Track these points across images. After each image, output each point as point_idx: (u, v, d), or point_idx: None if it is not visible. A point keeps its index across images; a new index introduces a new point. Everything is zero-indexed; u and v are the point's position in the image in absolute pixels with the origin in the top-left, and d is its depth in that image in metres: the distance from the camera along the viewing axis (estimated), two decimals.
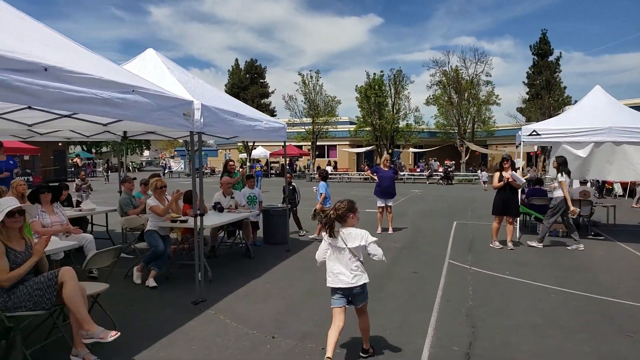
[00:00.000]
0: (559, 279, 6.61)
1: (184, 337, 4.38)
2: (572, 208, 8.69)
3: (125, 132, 8.75)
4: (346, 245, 3.68)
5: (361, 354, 3.96)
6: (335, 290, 3.75)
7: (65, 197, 8.40)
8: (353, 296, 3.75)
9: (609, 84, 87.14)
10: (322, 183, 9.60)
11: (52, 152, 34.29)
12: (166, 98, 4.51)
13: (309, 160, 42.62)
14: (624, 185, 19.81)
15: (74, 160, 39.33)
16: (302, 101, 41.57)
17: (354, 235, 3.72)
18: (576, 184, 13.04)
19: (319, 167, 39.83)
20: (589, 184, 13.73)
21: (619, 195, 19.80)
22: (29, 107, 5.80)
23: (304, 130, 40.81)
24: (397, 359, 3.94)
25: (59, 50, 3.98)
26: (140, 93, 4.13)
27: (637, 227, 11.87)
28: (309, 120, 40.99)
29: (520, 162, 12.08)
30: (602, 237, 10.08)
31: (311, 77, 40.97)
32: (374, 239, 3.76)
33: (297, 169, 41.12)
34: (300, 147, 43.13)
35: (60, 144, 33.77)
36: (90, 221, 9.14)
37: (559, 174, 8.94)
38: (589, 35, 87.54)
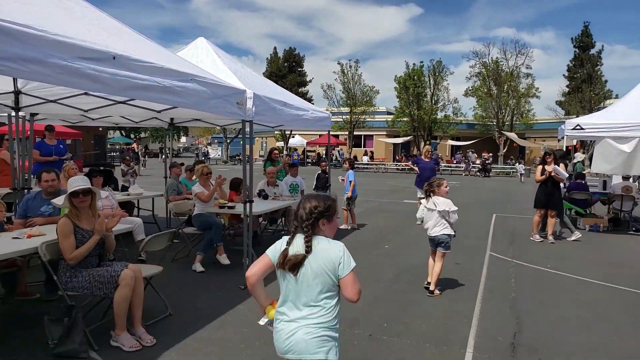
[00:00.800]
0: (602, 273, 6.52)
1: (235, 320, 4.53)
2: None
3: (172, 119, 9.01)
4: (436, 208, 5.20)
5: (426, 289, 5.42)
6: (429, 238, 5.40)
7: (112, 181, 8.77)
8: (437, 243, 5.32)
9: None
10: (350, 172, 9.69)
11: (93, 136, 35.12)
12: (221, 87, 4.67)
13: (340, 150, 42.58)
14: None
15: (132, 146, 39.95)
16: (340, 90, 41.61)
17: (442, 203, 5.21)
18: (618, 179, 12.67)
19: (355, 157, 39.78)
20: (631, 179, 13.30)
21: None
22: (86, 93, 6.04)
23: (342, 119, 40.82)
24: (444, 347, 4.00)
25: (121, 38, 4.17)
26: (198, 82, 4.29)
27: None
28: (346, 109, 40.95)
29: (580, 157, 11.83)
30: None
31: (350, 66, 40.93)
32: (456, 208, 5.23)
33: (334, 158, 41.20)
34: (337, 136, 43.16)
35: (100, 129, 34.42)
36: (136, 205, 9.50)
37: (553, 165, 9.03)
38: (631, 27, 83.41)
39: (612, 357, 3.90)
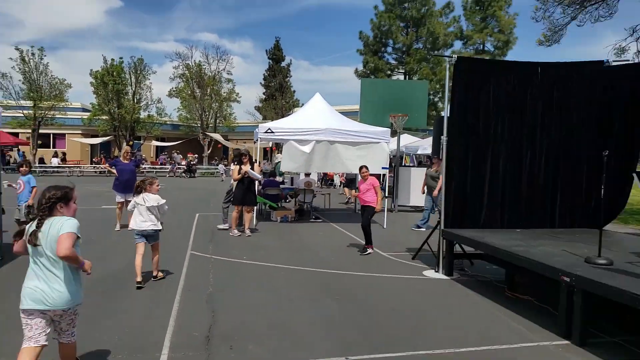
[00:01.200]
0: (288, 258, 7.53)
1: None
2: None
3: None
4: (145, 204, 5.71)
5: (152, 278, 5.94)
6: (137, 232, 5.78)
7: None
8: (147, 236, 5.81)
9: (327, 92, 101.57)
10: (30, 176, 8.40)
11: None
12: None
13: (20, 151, 36.43)
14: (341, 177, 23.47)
15: None
16: (19, 80, 35.28)
17: (151, 199, 5.78)
18: (302, 175, 14.97)
19: (41, 159, 34.51)
20: (313, 176, 15.93)
21: (339, 186, 23.32)
22: None
23: (23, 115, 34.74)
24: (139, 354, 3.83)
25: None
26: None
27: (344, 210, 14.60)
28: (29, 103, 35.04)
29: (280, 157, 13.01)
30: (320, 220, 11.98)
31: (33, 53, 35.15)
32: (164, 200, 5.89)
33: (12, 160, 34.64)
34: (16, 134, 36.43)
35: None
36: None
37: (232, 164, 10.47)
38: (312, 46, 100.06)
39: (293, 327, 4.48)
